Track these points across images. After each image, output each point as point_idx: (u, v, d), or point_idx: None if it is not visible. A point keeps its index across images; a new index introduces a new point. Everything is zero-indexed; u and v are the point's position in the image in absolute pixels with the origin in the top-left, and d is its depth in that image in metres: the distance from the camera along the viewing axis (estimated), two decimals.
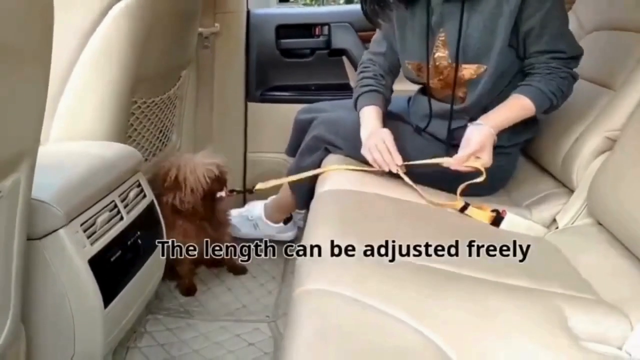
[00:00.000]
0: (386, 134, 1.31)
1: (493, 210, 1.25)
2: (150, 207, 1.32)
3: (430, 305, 0.83)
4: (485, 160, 1.22)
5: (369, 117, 1.38)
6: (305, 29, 2.12)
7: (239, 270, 1.73)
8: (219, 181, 1.53)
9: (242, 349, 1.37)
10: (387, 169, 1.29)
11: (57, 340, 1.03)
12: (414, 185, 1.30)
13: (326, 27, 2.08)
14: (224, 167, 1.55)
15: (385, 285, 0.87)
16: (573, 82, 1.28)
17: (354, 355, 0.69)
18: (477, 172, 1.23)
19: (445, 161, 1.25)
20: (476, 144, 1.21)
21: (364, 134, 1.36)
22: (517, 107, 1.26)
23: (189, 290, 1.61)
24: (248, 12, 2.07)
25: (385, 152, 1.28)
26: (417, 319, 0.78)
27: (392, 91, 1.52)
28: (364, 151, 1.33)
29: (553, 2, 1.20)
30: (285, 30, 2.10)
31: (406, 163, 1.29)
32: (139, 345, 1.37)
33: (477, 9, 1.24)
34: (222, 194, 1.56)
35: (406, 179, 1.29)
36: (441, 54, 1.32)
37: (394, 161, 1.28)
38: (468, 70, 1.29)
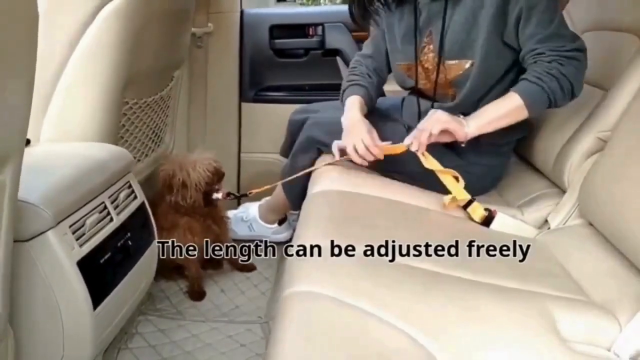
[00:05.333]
0: (364, 134, 1.30)
1: (485, 209, 1.25)
2: (141, 209, 1.31)
3: (418, 307, 0.82)
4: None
5: (350, 106, 1.40)
6: (299, 29, 2.12)
7: (246, 268, 1.74)
8: (218, 174, 1.59)
9: (234, 350, 1.37)
10: (366, 164, 1.32)
11: (45, 342, 1.02)
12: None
13: (320, 27, 2.08)
14: (219, 162, 1.62)
15: (374, 287, 0.86)
16: (573, 64, 1.16)
17: (339, 359, 0.69)
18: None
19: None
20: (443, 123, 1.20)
21: (343, 122, 1.37)
22: (505, 103, 1.21)
23: (199, 295, 1.59)
24: (242, 12, 2.07)
25: (368, 154, 1.29)
26: (405, 321, 0.78)
27: (379, 91, 1.52)
28: (344, 143, 1.33)
29: None
30: (279, 30, 2.09)
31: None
32: (130, 346, 1.37)
33: (460, 3, 1.25)
34: (219, 196, 1.59)
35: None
36: (429, 53, 1.33)
37: (377, 157, 1.29)
38: (453, 68, 1.29)
